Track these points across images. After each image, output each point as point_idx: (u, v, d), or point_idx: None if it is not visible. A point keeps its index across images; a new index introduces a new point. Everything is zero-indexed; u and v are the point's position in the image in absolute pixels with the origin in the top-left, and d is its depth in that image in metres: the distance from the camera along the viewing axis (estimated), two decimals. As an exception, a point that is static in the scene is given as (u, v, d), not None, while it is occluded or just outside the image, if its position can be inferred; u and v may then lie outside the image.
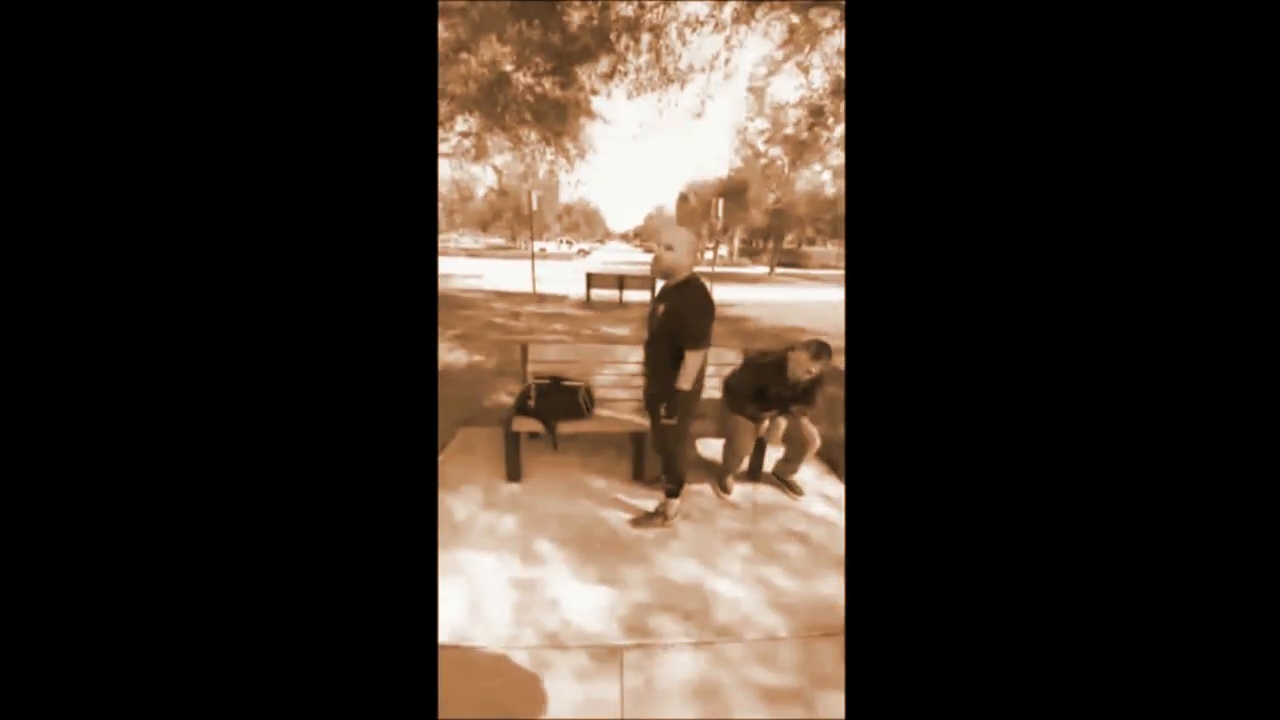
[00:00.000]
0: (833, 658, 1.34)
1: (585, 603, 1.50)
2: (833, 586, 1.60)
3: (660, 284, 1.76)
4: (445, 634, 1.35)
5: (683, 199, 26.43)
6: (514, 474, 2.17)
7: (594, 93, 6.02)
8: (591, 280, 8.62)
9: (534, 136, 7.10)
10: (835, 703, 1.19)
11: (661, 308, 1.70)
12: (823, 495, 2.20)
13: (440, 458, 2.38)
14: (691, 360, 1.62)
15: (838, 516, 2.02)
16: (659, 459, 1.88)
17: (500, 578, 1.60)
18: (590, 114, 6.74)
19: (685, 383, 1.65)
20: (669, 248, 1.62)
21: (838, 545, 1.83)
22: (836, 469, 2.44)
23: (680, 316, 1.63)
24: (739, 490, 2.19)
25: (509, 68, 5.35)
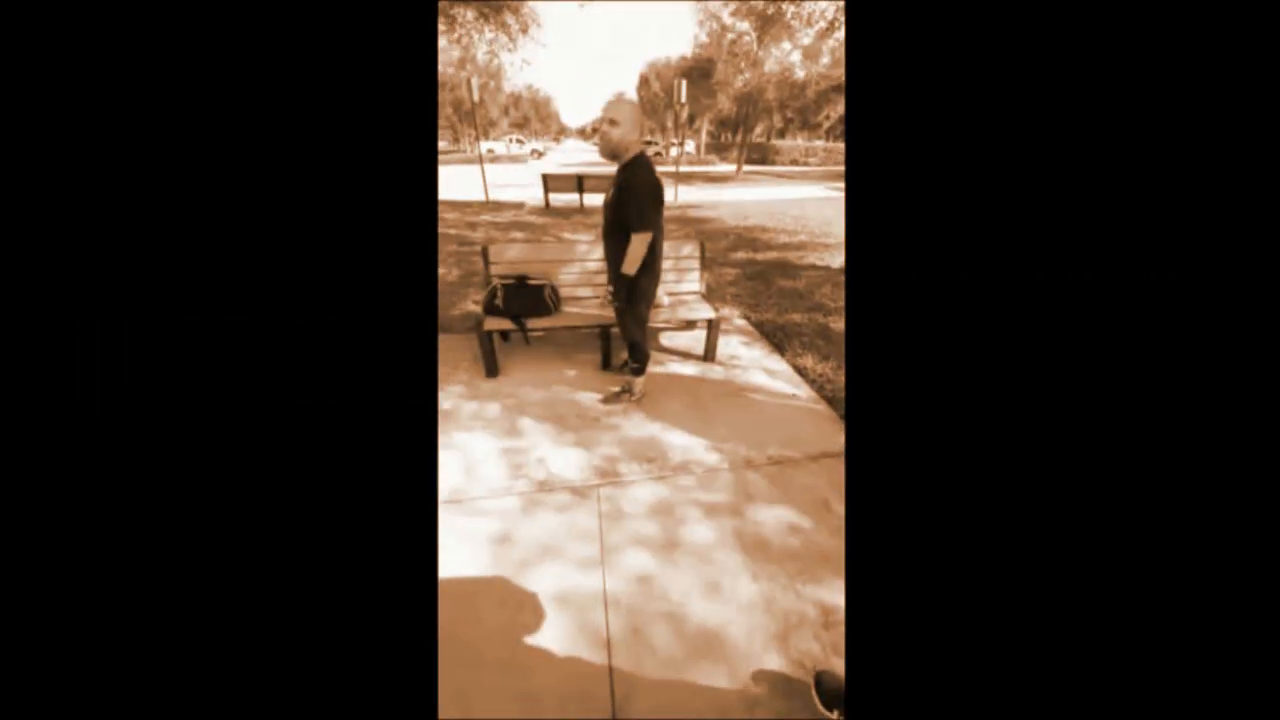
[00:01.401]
0: (759, 481, 1.71)
1: (565, 460, 1.80)
2: (760, 435, 1.96)
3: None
4: (445, 493, 1.62)
5: (644, 82, 23.62)
6: (491, 370, 2.35)
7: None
8: (548, 183, 8.07)
9: (470, 15, 6.03)
10: (763, 513, 1.57)
11: (611, 191, 1.69)
12: (765, 369, 2.53)
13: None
14: (636, 242, 1.62)
15: (773, 384, 2.36)
16: (626, 345, 2.05)
17: (490, 447, 1.86)
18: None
19: (629, 267, 1.67)
20: (613, 122, 1.56)
21: (770, 406, 2.18)
22: (780, 347, 2.75)
23: (626, 199, 1.61)
24: (695, 367, 2.48)
25: None
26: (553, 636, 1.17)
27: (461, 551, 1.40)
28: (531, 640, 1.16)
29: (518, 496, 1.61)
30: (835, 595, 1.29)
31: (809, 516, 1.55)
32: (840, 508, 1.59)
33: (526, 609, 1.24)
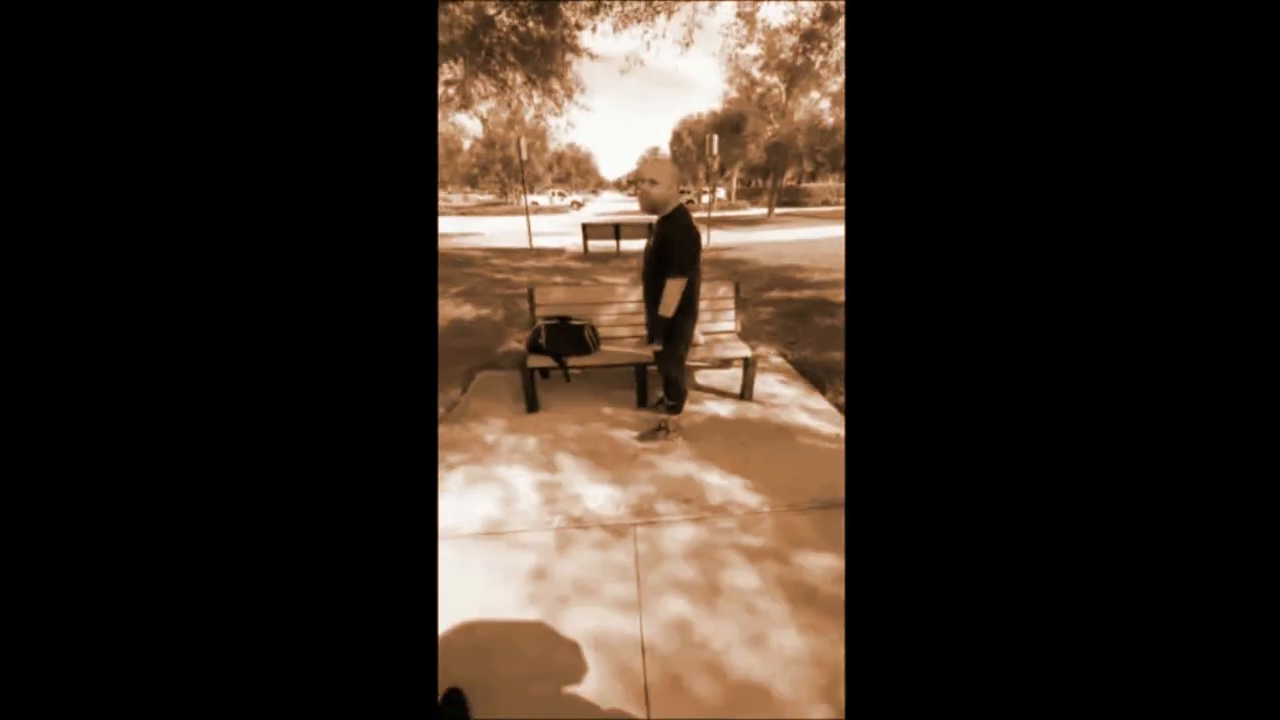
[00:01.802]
0: (803, 525, 1.64)
1: (601, 497, 1.80)
2: (803, 477, 1.89)
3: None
4: (480, 525, 1.66)
5: (676, 138, 25.08)
6: (532, 405, 2.43)
7: (579, 28, 5.70)
8: (588, 231, 8.58)
9: (519, 79, 6.80)
10: (809, 560, 1.49)
11: (651, 241, 1.83)
12: (805, 408, 2.46)
13: (464, 398, 2.65)
14: (672, 287, 1.74)
15: (813, 423, 2.29)
16: (664, 384, 2.09)
17: (527, 481, 1.90)
18: (577, 50, 6.40)
19: (666, 309, 1.77)
20: (652, 182, 1.71)
21: (812, 446, 2.11)
22: (820, 387, 2.69)
23: (665, 246, 1.74)
24: (732, 405, 2.46)
25: (492, 10, 5.08)
26: (591, 681, 1.13)
27: (501, 584, 1.41)
28: (570, 682, 1.13)
29: (554, 532, 1.62)
30: (893, 655, 1.18)
31: (859, 565, 1.46)
32: (893, 557, 1.48)
33: (564, 649, 1.21)
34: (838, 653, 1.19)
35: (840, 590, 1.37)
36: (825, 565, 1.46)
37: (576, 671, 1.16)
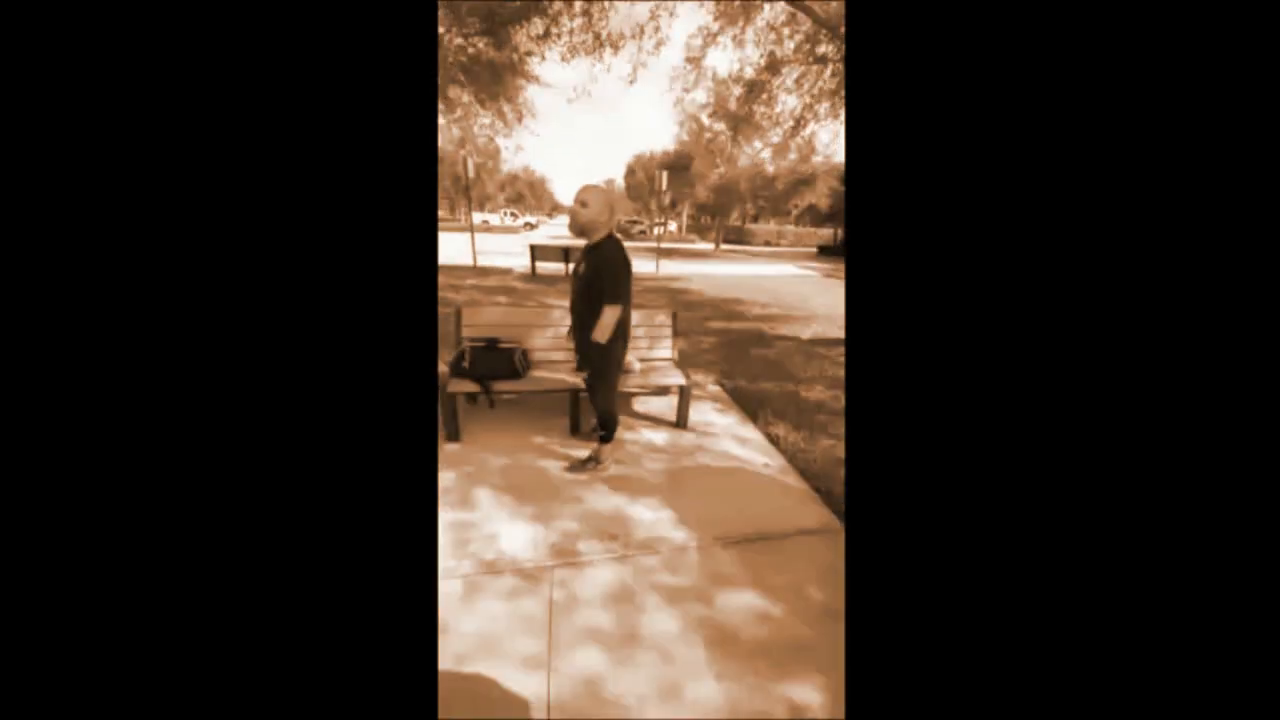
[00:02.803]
0: (729, 561, 1.60)
1: (519, 536, 1.65)
2: (731, 510, 1.87)
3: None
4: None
5: (630, 171, 26.01)
6: (452, 434, 2.24)
7: (529, 54, 5.79)
8: (535, 252, 8.46)
9: (466, 99, 6.74)
10: (732, 599, 1.44)
11: (582, 266, 1.78)
12: (737, 437, 2.48)
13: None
14: (608, 315, 1.70)
15: (745, 453, 2.31)
16: (595, 411, 2.01)
17: (438, 522, 1.71)
18: (526, 75, 6.48)
19: (601, 336, 1.73)
20: (583, 204, 1.69)
21: (742, 477, 2.11)
22: (752, 415, 2.74)
23: (598, 274, 1.70)
24: (666, 433, 2.42)
25: (441, 30, 5.03)
26: (479, 760, 0.98)
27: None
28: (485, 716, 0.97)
29: (459, 580, 1.45)
30: (807, 693, 1.14)
31: (781, 603, 1.43)
32: (816, 593, 1.47)
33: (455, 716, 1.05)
34: (754, 702, 1.13)
35: (760, 630, 1.33)
36: (747, 604, 1.42)
37: (465, 750, 1.00)
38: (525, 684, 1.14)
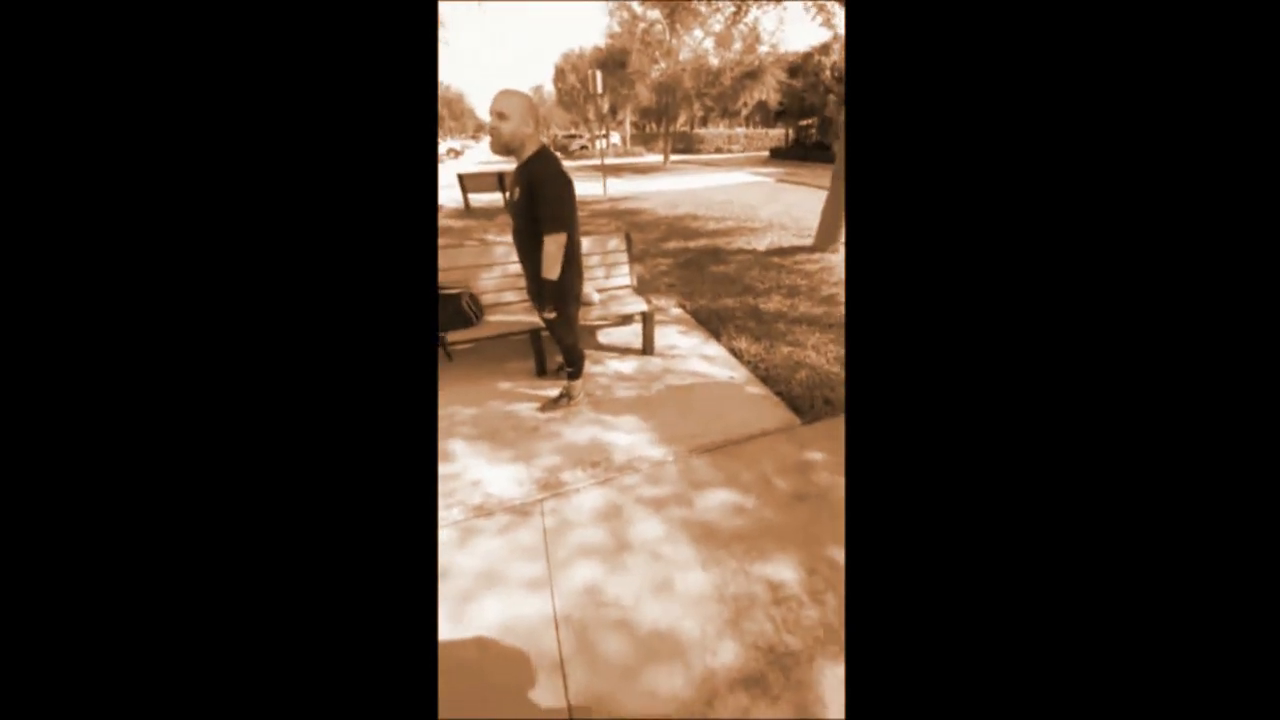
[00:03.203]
0: (703, 467, 1.72)
1: (503, 478, 1.70)
2: (702, 422, 1.98)
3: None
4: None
5: (559, 74, 23.07)
6: (414, 390, 2.16)
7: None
8: (466, 183, 7.63)
9: None
10: (709, 499, 1.57)
11: (516, 190, 1.57)
12: (703, 356, 2.55)
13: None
14: (550, 244, 1.53)
15: (711, 369, 2.40)
16: (559, 349, 1.96)
17: (417, 476, 1.72)
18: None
19: (549, 270, 1.58)
20: (501, 115, 1.44)
21: (710, 392, 2.21)
22: (715, 333, 2.80)
23: (534, 197, 1.50)
24: (633, 361, 2.45)
25: None
26: (503, 668, 1.09)
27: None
28: (480, 675, 1.07)
29: (452, 527, 1.50)
30: (782, 570, 1.32)
31: (752, 495, 1.58)
32: (783, 483, 1.63)
33: (471, 646, 1.15)
34: (737, 582, 1.29)
35: (737, 521, 1.48)
36: (722, 501, 1.57)
37: (485, 663, 1.10)
38: (531, 603, 1.24)
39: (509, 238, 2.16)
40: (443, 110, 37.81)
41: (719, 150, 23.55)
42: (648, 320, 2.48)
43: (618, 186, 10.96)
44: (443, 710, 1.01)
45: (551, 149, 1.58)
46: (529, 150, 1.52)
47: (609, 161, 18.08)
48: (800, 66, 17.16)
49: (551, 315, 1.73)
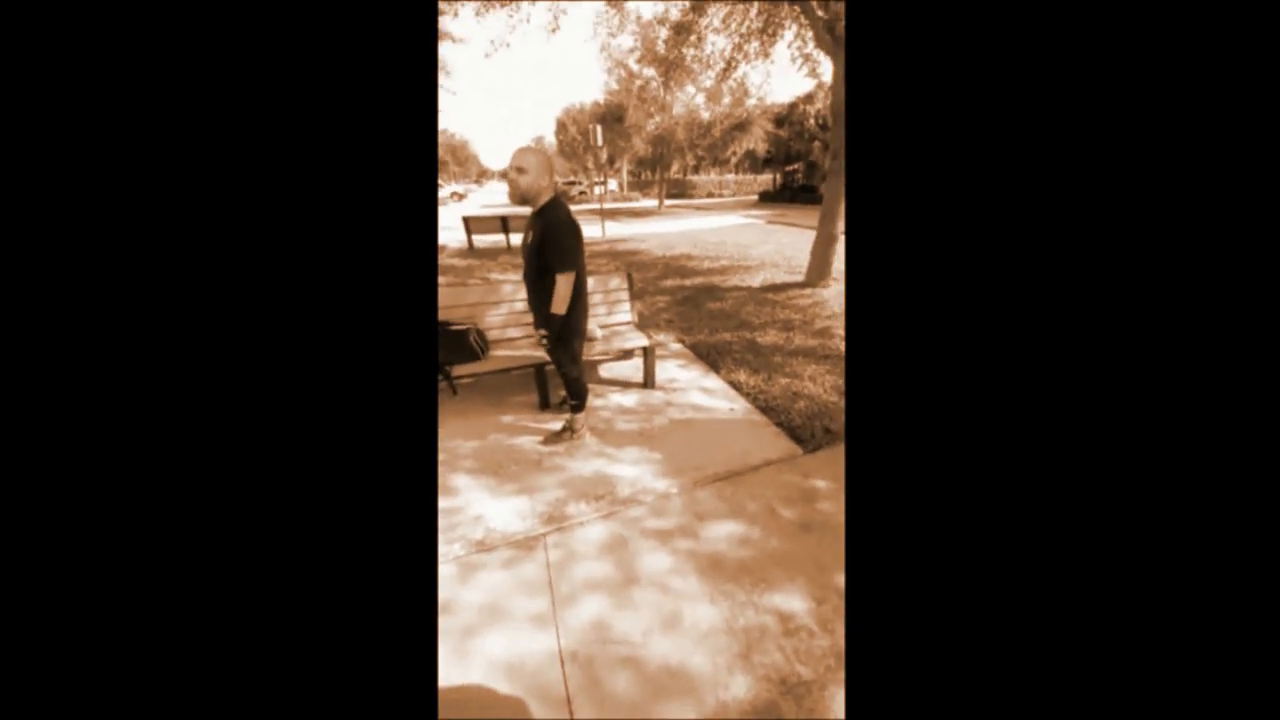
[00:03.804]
0: (708, 499, 1.72)
1: (506, 511, 1.69)
2: (705, 454, 1.99)
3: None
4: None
5: (561, 127, 24.54)
6: (418, 425, 2.18)
7: (439, 12, 5.17)
8: (470, 225, 7.96)
9: None
10: (715, 530, 1.57)
11: (530, 235, 1.72)
12: (702, 389, 2.60)
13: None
14: (561, 283, 1.67)
15: (711, 402, 2.43)
16: (563, 383, 2.01)
17: (421, 511, 1.70)
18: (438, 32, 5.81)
19: (558, 307, 1.70)
20: (520, 170, 1.60)
21: (711, 424, 2.23)
22: (714, 366, 2.86)
23: (546, 241, 1.65)
24: (635, 395, 2.49)
25: None
26: (508, 709, 1.05)
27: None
28: (486, 714, 1.03)
29: (454, 563, 1.48)
30: (790, 600, 1.30)
31: (757, 525, 1.58)
32: (788, 512, 1.63)
33: (473, 684, 1.11)
34: (746, 616, 1.27)
35: (744, 552, 1.47)
36: (728, 532, 1.56)
37: (488, 702, 1.07)
38: (535, 640, 1.21)
39: (513, 276, 2.25)
40: (447, 155, 39.70)
41: (710, 195, 24.73)
42: (649, 355, 2.54)
43: (616, 229, 11.41)
44: (445, 755, 0.97)
45: (561, 198, 1.71)
46: (544, 199, 1.66)
47: (607, 206, 18.90)
48: (786, 116, 18.37)
49: (555, 349, 1.81)
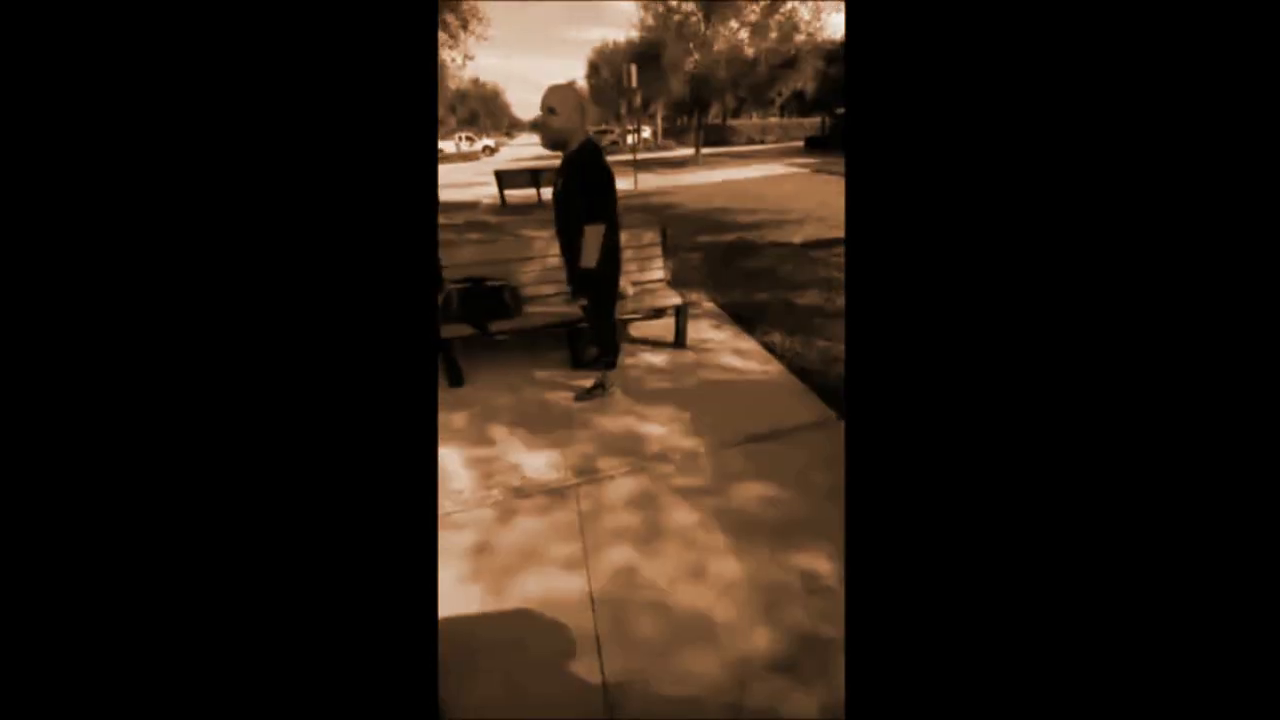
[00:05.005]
0: (737, 459, 1.72)
1: (540, 463, 1.76)
2: (736, 415, 1.97)
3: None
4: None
5: (593, 69, 23.16)
6: (455, 379, 2.27)
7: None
8: (503, 180, 7.84)
9: None
10: (744, 491, 1.57)
11: (559, 184, 1.64)
12: (736, 350, 2.54)
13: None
14: (590, 234, 1.60)
15: (744, 364, 2.38)
16: (595, 340, 2.01)
17: (459, 458, 1.81)
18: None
19: (588, 259, 1.64)
20: (551, 111, 1.50)
21: (743, 385, 2.20)
22: (749, 328, 2.77)
23: (578, 189, 1.57)
24: (666, 354, 2.47)
25: None
26: (542, 642, 1.15)
27: (440, 569, 1.35)
28: (521, 648, 1.13)
29: (493, 507, 1.57)
30: (816, 561, 1.31)
31: (787, 488, 1.57)
32: (818, 477, 1.61)
33: (511, 617, 1.21)
34: (770, 572, 1.30)
35: (772, 512, 1.48)
36: (756, 494, 1.56)
37: (526, 634, 1.16)
38: (568, 582, 1.29)
39: (544, 231, 2.21)
40: (479, 106, 38.69)
41: (751, 141, 23.06)
42: (681, 314, 2.49)
43: (649, 180, 10.94)
44: (483, 682, 1.07)
45: (594, 140, 1.61)
46: (576, 143, 1.57)
47: (640, 156, 18.08)
48: (838, 53, 16.47)
49: (588, 304, 1.78)
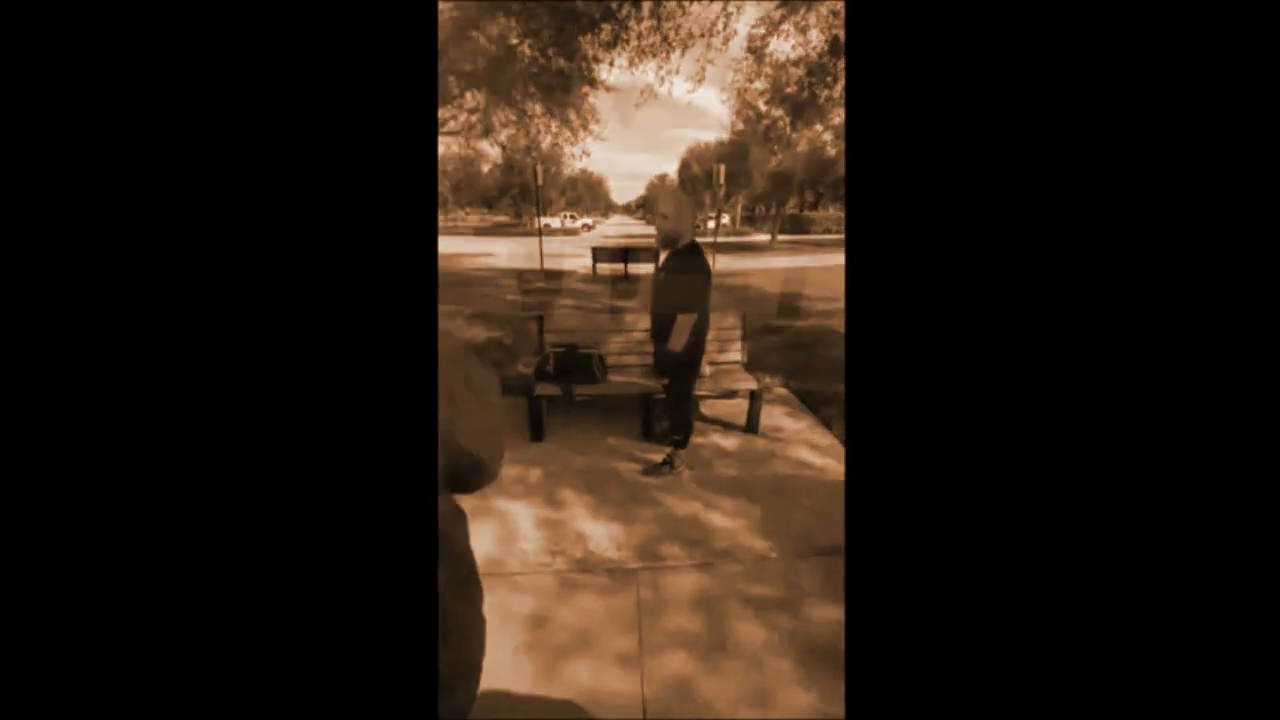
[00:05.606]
0: (811, 573, 1.58)
1: (603, 536, 1.75)
2: (809, 520, 1.84)
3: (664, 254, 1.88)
4: (481, 562, 1.61)
5: (684, 166, 25.75)
6: (538, 434, 2.40)
7: (597, 61, 5.91)
8: (597, 254, 8.71)
9: (539, 109, 7.02)
10: (818, 611, 1.43)
11: (663, 275, 1.84)
12: (811, 444, 2.42)
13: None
14: (682, 321, 1.76)
15: (820, 460, 2.25)
16: (669, 416, 2.07)
17: (529, 516, 1.85)
18: (594, 83, 6.62)
19: (676, 344, 1.79)
20: (664, 216, 1.75)
21: (818, 486, 2.06)
22: (826, 421, 2.65)
23: (679, 283, 1.77)
24: (737, 439, 2.42)
25: (514, 41, 5.29)
26: (587, 745, 1.07)
27: (497, 629, 1.35)
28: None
29: (554, 576, 1.57)
30: None
31: (871, 621, 1.39)
32: (907, 613, 1.42)
33: (560, 708, 1.15)
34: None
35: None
36: (832, 617, 1.40)
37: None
38: (621, 680, 1.22)
39: (630, 303, 2.38)
40: (584, 191, 44.24)
41: (827, 231, 23.49)
42: (756, 399, 2.47)
43: (726, 263, 11.45)
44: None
45: (698, 242, 1.80)
46: (683, 242, 1.79)
47: (719, 241, 19.15)
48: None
49: (670, 383, 1.90)
